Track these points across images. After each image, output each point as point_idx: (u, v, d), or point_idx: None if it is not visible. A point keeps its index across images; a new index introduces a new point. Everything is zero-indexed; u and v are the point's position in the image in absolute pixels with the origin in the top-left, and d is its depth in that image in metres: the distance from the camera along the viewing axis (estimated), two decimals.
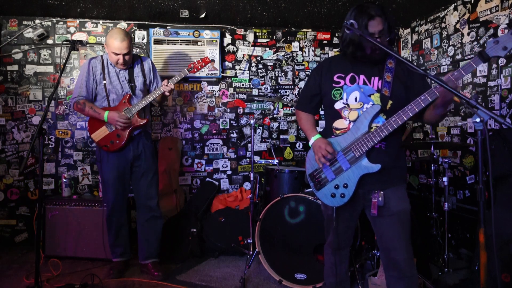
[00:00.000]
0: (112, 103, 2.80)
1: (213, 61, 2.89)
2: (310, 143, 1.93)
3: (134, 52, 2.92)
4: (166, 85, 2.74)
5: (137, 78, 2.85)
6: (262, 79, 4.19)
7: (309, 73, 4.08)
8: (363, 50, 1.74)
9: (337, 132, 1.87)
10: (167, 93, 2.77)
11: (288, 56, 4.22)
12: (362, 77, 1.83)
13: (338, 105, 1.86)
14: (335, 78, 1.87)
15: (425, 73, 1.49)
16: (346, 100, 1.84)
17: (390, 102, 1.78)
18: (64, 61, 3.75)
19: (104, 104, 2.80)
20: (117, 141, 2.74)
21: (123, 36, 2.64)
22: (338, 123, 1.87)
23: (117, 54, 2.67)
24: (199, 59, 2.91)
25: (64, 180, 3.48)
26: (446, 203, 2.77)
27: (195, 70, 2.86)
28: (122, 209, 2.92)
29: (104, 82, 2.78)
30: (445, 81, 1.48)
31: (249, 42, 4.15)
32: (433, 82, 1.50)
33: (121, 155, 2.80)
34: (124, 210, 2.96)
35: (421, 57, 3.89)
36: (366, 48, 1.73)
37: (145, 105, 2.77)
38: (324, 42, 4.28)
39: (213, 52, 3.89)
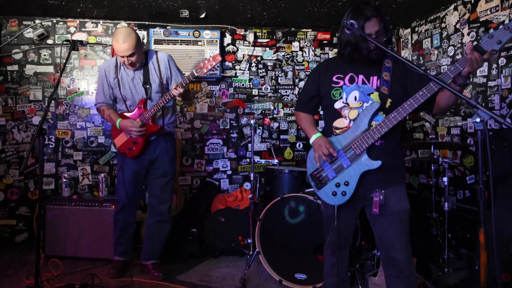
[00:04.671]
0: (130, 108, 2.78)
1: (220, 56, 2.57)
2: (311, 141, 1.93)
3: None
4: (175, 89, 2.55)
5: (152, 78, 2.73)
6: (262, 79, 4.19)
7: (309, 73, 4.08)
8: (360, 51, 1.75)
9: (337, 131, 1.88)
10: (178, 98, 2.63)
11: (288, 56, 4.22)
12: (361, 76, 1.84)
13: (338, 105, 1.87)
14: (334, 79, 1.89)
15: (425, 73, 1.49)
16: (346, 99, 1.85)
17: (389, 100, 1.80)
18: (64, 61, 3.75)
19: (123, 107, 2.81)
20: (134, 148, 2.74)
21: (124, 37, 2.51)
22: (338, 122, 1.88)
23: (122, 57, 2.59)
24: (209, 57, 2.56)
25: (64, 180, 3.48)
26: (446, 203, 2.77)
27: (205, 70, 2.54)
28: (131, 209, 2.90)
29: (118, 88, 2.75)
30: (458, 66, 1.54)
31: (249, 42, 4.15)
32: (433, 77, 1.53)
33: (136, 161, 2.80)
34: (134, 211, 2.96)
35: (421, 57, 3.89)
36: (362, 49, 1.74)
37: (155, 111, 2.65)
38: (324, 42, 4.28)
39: (213, 52, 3.89)
